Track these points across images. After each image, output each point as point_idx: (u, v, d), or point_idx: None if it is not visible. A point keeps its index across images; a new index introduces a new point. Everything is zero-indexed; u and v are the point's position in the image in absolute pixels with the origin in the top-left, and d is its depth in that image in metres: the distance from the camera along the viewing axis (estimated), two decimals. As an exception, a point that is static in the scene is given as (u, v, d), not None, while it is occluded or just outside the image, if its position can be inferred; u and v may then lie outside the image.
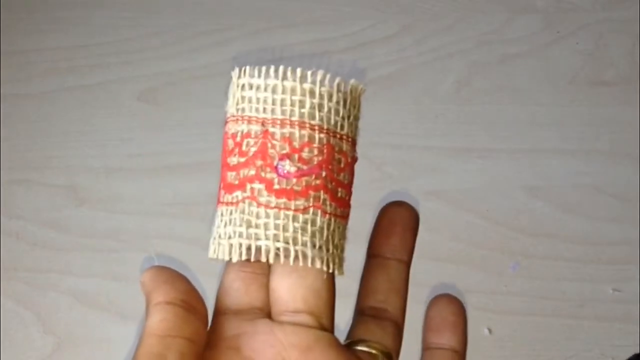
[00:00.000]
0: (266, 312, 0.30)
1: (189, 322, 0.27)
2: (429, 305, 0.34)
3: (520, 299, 0.60)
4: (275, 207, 0.29)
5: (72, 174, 0.65)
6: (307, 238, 0.29)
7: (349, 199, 0.31)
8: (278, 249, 0.29)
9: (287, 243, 0.29)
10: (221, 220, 0.30)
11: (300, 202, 0.29)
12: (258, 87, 0.30)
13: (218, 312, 0.30)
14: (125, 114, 0.67)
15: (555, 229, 0.63)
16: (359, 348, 0.31)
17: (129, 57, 0.69)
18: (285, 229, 0.29)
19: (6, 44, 0.69)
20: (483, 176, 0.64)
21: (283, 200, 0.29)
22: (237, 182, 0.29)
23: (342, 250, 0.31)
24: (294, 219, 0.29)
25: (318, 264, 0.29)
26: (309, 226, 0.29)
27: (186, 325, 0.27)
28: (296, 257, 0.29)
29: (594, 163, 0.65)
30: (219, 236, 0.30)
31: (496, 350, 0.59)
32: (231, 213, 0.30)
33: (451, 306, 0.33)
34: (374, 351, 0.31)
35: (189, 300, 0.27)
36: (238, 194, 0.29)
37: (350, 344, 0.32)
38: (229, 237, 0.29)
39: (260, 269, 0.30)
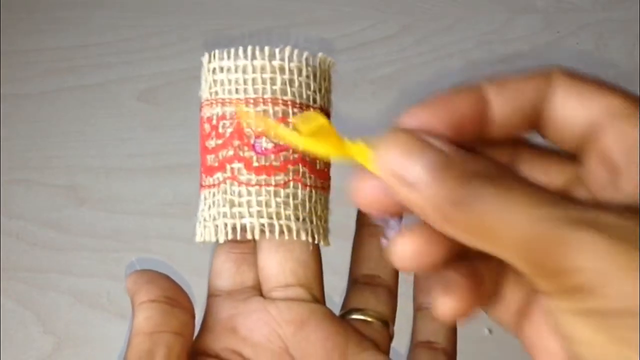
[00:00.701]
0: (259, 291, 0.30)
1: (174, 317, 0.27)
2: None
3: (520, 299, 0.60)
4: (256, 184, 0.29)
5: (72, 174, 0.65)
6: (290, 212, 0.29)
7: (329, 171, 0.31)
8: (263, 225, 0.29)
9: (271, 218, 0.29)
10: (204, 204, 0.30)
11: (280, 177, 0.29)
12: (229, 69, 0.30)
13: (211, 294, 0.31)
14: (125, 114, 0.67)
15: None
16: (355, 317, 0.32)
17: (129, 57, 0.69)
18: (268, 205, 0.29)
19: (6, 44, 0.69)
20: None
21: (263, 177, 0.29)
22: (216, 164, 0.30)
23: (326, 221, 0.31)
24: (276, 194, 0.29)
25: (303, 236, 0.29)
26: (290, 200, 0.29)
27: (172, 320, 0.27)
28: (281, 231, 0.29)
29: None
30: (204, 219, 0.30)
31: (496, 350, 0.59)
32: (214, 195, 0.30)
33: None
34: (369, 319, 0.31)
35: (172, 295, 0.28)
36: (219, 175, 0.30)
37: (345, 314, 0.32)
38: (214, 219, 0.29)
39: (249, 248, 0.31)
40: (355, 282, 0.33)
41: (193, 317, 0.29)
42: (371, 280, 0.33)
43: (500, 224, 0.22)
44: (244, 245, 0.31)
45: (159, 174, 0.65)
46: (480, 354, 0.59)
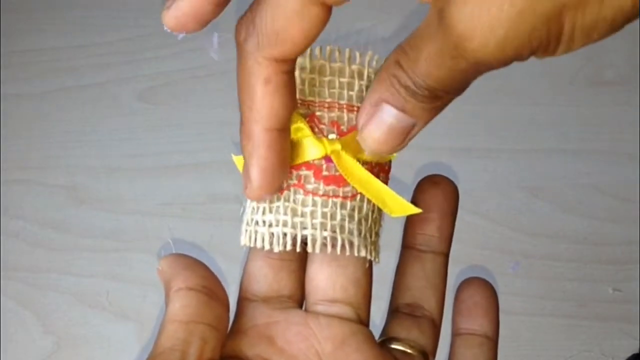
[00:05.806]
0: (295, 300, 0.30)
1: (211, 308, 0.26)
2: (459, 288, 0.32)
3: (520, 299, 0.60)
4: (324, 194, 0.27)
5: (72, 174, 0.65)
6: (353, 226, 0.27)
7: (387, 183, 0.30)
8: (325, 238, 0.27)
9: (334, 232, 0.27)
10: (257, 206, 0.28)
11: (349, 189, 0.27)
12: (302, 68, 0.28)
13: (244, 298, 0.29)
14: (125, 114, 0.67)
15: (555, 229, 0.63)
16: (394, 347, 0.30)
17: (129, 57, 0.69)
18: (332, 217, 0.27)
19: (6, 44, 0.69)
20: (483, 176, 0.64)
21: (331, 187, 0.27)
22: None
23: (379, 237, 0.30)
24: (342, 206, 0.27)
25: (363, 253, 0.28)
26: (355, 214, 0.28)
27: (208, 312, 0.26)
28: (342, 245, 0.27)
29: (594, 163, 0.65)
30: (256, 223, 0.28)
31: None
32: (271, 200, 0.28)
33: (483, 290, 0.32)
34: (410, 350, 0.30)
35: (209, 286, 0.27)
36: None
37: (385, 341, 0.31)
38: (270, 225, 0.27)
39: (288, 255, 0.29)
40: (397, 310, 0.32)
41: (228, 311, 0.28)
42: (414, 311, 0.31)
43: None
44: (283, 252, 0.29)
45: (159, 174, 0.65)
46: (480, 354, 0.59)
